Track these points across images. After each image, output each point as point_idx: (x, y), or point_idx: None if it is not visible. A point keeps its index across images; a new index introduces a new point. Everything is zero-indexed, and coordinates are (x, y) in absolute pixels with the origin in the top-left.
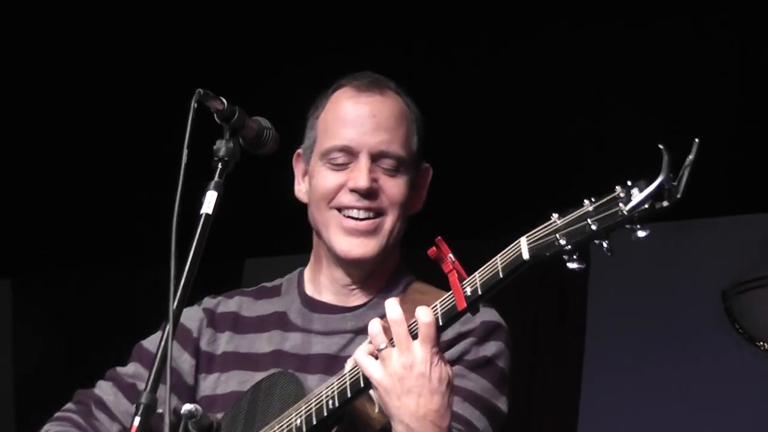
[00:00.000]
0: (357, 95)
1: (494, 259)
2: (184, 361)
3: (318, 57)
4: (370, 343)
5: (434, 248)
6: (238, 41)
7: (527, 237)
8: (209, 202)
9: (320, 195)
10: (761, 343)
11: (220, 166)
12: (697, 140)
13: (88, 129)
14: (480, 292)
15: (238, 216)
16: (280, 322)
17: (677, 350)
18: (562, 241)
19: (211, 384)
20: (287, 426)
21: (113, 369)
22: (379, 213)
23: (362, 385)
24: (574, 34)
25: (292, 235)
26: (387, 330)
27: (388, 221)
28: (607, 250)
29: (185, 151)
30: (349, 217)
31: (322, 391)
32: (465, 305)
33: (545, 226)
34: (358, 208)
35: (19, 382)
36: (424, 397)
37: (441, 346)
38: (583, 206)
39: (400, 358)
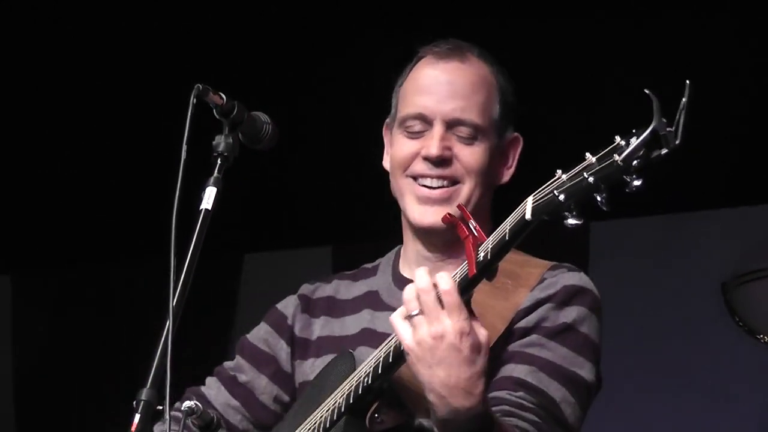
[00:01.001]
0: (435, 62)
1: (506, 220)
2: (281, 349)
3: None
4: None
5: (448, 215)
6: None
7: (533, 196)
8: (208, 197)
9: (397, 163)
10: (761, 335)
11: (219, 161)
12: (688, 82)
13: (88, 125)
14: (489, 257)
15: (238, 211)
16: (371, 301)
17: (677, 342)
18: (561, 197)
19: (306, 369)
20: (332, 407)
21: (220, 365)
22: (453, 181)
23: (391, 359)
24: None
25: (291, 230)
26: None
27: (465, 189)
28: (601, 203)
29: (184, 147)
30: (423, 185)
31: (362, 368)
32: (475, 271)
33: (549, 184)
34: (432, 177)
35: (18, 378)
36: (456, 367)
37: (519, 315)
38: (585, 159)
39: (430, 327)
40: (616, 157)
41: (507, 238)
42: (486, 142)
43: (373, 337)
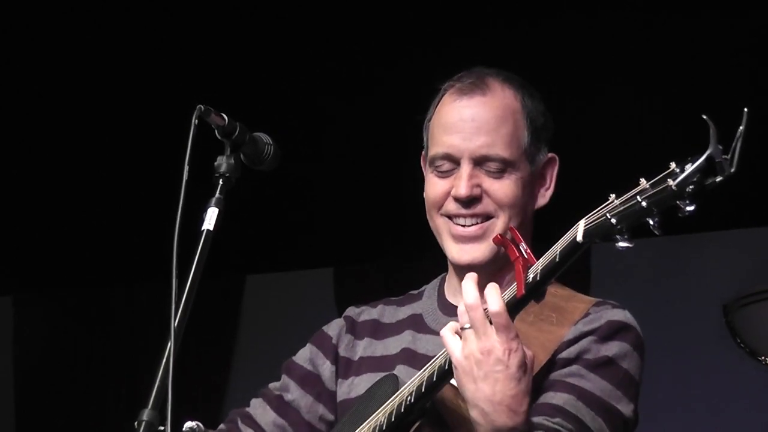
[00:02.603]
0: (458, 99)
1: (556, 243)
2: (326, 369)
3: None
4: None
5: (500, 236)
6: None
7: (586, 219)
8: (210, 218)
9: (430, 203)
10: (762, 357)
11: (221, 182)
12: (746, 110)
13: (89, 146)
14: (539, 278)
15: (240, 232)
16: (415, 323)
17: (678, 364)
18: (613, 221)
19: (346, 389)
20: (374, 425)
21: (266, 386)
22: (487, 216)
23: (435, 379)
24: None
25: (293, 252)
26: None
27: (499, 224)
28: (653, 227)
29: (186, 168)
30: (457, 224)
31: (406, 387)
32: (523, 292)
33: (602, 207)
34: (464, 216)
35: (19, 397)
36: (501, 383)
37: (562, 347)
38: (639, 185)
39: (479, 342)
40: (670, 182)
41: (557, 259)
42: (516, 173)
43: (413, 358)
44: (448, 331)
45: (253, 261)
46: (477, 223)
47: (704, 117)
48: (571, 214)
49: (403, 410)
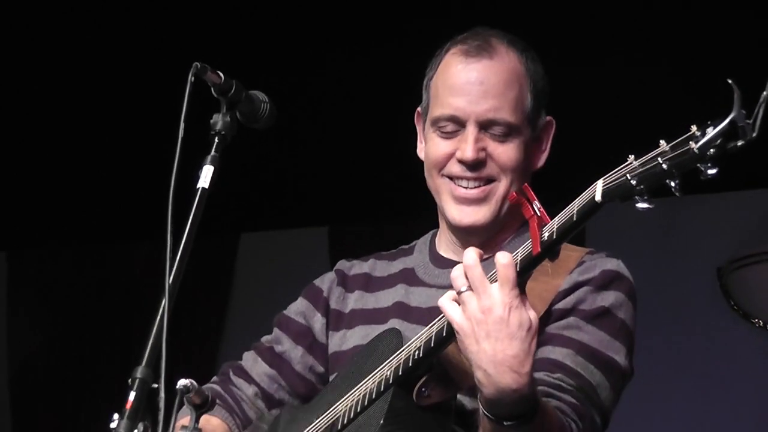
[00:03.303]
0: (465, 60)
1: (573, 202)
2: (317, 321)
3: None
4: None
5: (515, 194)
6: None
7: (604, 179)
8: (206, 176)
9: (432, 163)
10: (756, 319)
11: (216, 140)
12: None
13: (85, 105)
14: (555, 236)
15: (235, 191)
16: (407, 276)
17: (673, 327)
18: (633, 182)
19: (337, 341)
20: (378, 379)
21: (258, 340)
22: (489, 180)
23: (444, 334)
24: None
25: (288, 210)
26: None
27: (501, 187)
28: (675, 189)
29: (182, 125)
30: (460, 186)
31: (413, 342)
32: (539, 250)
33: (621, 168)
34: (468, 179)
35: (13, 354)
36: (501, 341)
37: (558, 296)
38: (659, 146)
39: (479, 301)
40: (692, 144)
41: (575, 219)
42: (520, 137)
43: (406, 311)
44: (446, 301)
45: (247, 219)
46: (479, 186)
47: (729, 81)
48: (581, 174)
49: (411, 364)
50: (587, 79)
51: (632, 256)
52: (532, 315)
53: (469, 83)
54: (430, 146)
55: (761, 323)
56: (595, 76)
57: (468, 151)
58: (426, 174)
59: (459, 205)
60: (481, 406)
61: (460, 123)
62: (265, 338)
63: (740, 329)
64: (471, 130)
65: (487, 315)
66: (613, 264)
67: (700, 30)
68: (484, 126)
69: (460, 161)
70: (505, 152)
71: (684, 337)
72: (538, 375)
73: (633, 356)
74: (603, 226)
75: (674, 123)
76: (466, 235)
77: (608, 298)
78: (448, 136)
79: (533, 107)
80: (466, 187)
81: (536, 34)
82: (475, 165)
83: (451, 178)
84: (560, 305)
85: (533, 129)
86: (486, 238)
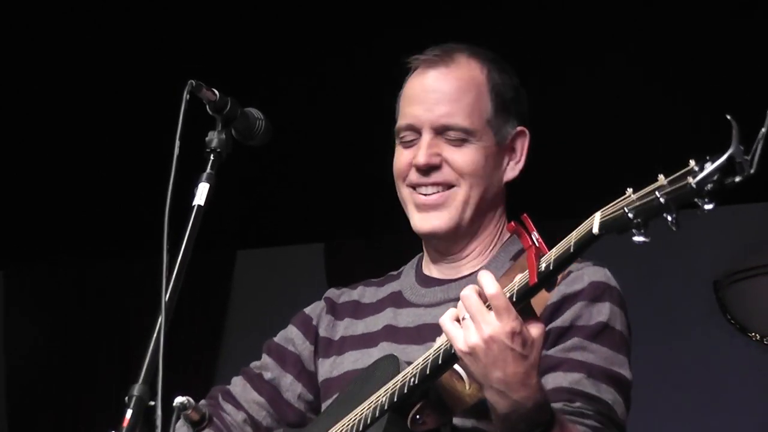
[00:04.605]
0: (423, 71)
1: (571, 233)
2: (305, 348)
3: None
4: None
5: (514, 223)
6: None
7: (601, 211)
8: (201, 193)
9: (396, 173)
10: (753, 333)
11: (212, 157)
12: None
13: (82, 121)
14: (552, 267)
15: (231, 208)
16: (395, 300)
17: (669, 340)
18: (630, 215)
19: (328, 368)
20: (374, 405)
21: (247, 365)
22: (448, 185)
23: (441, 361)
24: None
25: (283, 227)
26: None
27: (460, 192)
28: (672, 223)
29: (177, 143)
30: (420, 193)
31: (409, 369)
32: (536, 280)
33: (619, 201)
34: (426, 185)
35: (10, 370)
36: (512, 365)
37: (547, 310)
38: (657, 180)
39: (479, 331)
40: (690, 180)
41: (572, 250)
42: (478, 143)
43: (394, 333)
44: (447, 320)
45: (244, 236)
46: (438, 192)
47: (728, 117)
48: (584, 205)
49: (406, 391)
50: (585, 104)
51: (629, 269)
52: (535, 330)
53: (424, 91)
54: (395, 158)
55: (758, 337)
56: (593, 102)
57: (420, 156)
58: (396, 188)
59: (420, 212)
60: (498, 428)
61: (417, 131)
62: (254, 364)
63: (737, 343)
64: (425, 136)
65: (490, 343)
66: (601, 274)
67: (701, 63)
68: (439, 131)
69: (416, 167)
70: (462, 157)
71: (680, 350)
72: (558, 406)
73: (631, 364)
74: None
75: (673, 155)
76: (431, 242)
77: (603, 311)
78: (408, 145)
79: (496, 113)
80: (425, 194)
81: (529, 56)
82: (428, 170)
83: (414, 187)
84: (557, 323)
85: (497, 136)
86: (453, 241)
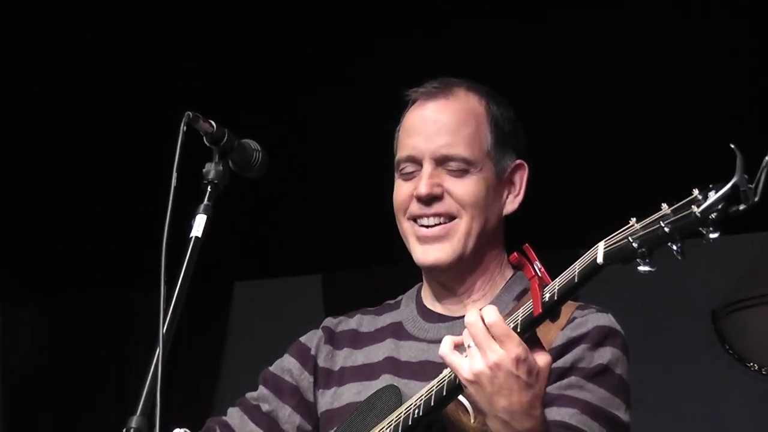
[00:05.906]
0: (423, 104)
1: (575, 264)
2: (304, 379)
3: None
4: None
5: (516, 254)
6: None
7: (605, 241)
8: (198, 225)
9: (396, 206)
10: (751, 363)
11: (209, 189)
12: None
13: (80, 152)
14: (556, 297)
15: (228, 239)
16: (395, 330)
17: (667, 370)
18: (635, 245)
19: (328, 399)
20: None
21: (243, 395)
22: (450, 217)
23: (445, 393)
24: None
25: (281, 258)
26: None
27: (462, 224)
28: (677, 252)
29: (174, 174)
30: (421, 225)
31: (413, 401)
32: (540, 311)
33: (623, 230)
34: (427, 216)
35: (7, 402)
36: (517, 393)
37: (551, 353)
38: (661, 210)
39: (484, 358)
40: (694, 209)
41: (576, 280)
42: (479, 173)
43: (396, 366)
44: (447, 351)
45: (241, 268)
46: (440, 224)
47: (732, 146)
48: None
49: (410, 423)
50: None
51: (627, 298)
52: (541, 359)
53: (424, 122)
54: (395, 191)
55: (756, 367)
56: (593, 130)
57: (422, 187)
58: (396, 221)
59: (422, 245)
60: None
61: (417, 162)
62: (250, 395)
63: (735, 373)
64: (426, 167)
65: (496, 371)
66: (605, 319)
67: (702, 92)
68: (440, 162)
69: (417, 198)
70: (463, 187)
71: (679, 380)
72: None
73: (631, 410)
74: None
75: (677, 185)
76: (435, 275)
77: (605, 355)
78: (408, 177)
79: (495, 145)
80: (427, 226)
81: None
82: (430, 200)
83: (415, 219)
84: (558, 363)
85: (497, 168)
86: (457, 275)
